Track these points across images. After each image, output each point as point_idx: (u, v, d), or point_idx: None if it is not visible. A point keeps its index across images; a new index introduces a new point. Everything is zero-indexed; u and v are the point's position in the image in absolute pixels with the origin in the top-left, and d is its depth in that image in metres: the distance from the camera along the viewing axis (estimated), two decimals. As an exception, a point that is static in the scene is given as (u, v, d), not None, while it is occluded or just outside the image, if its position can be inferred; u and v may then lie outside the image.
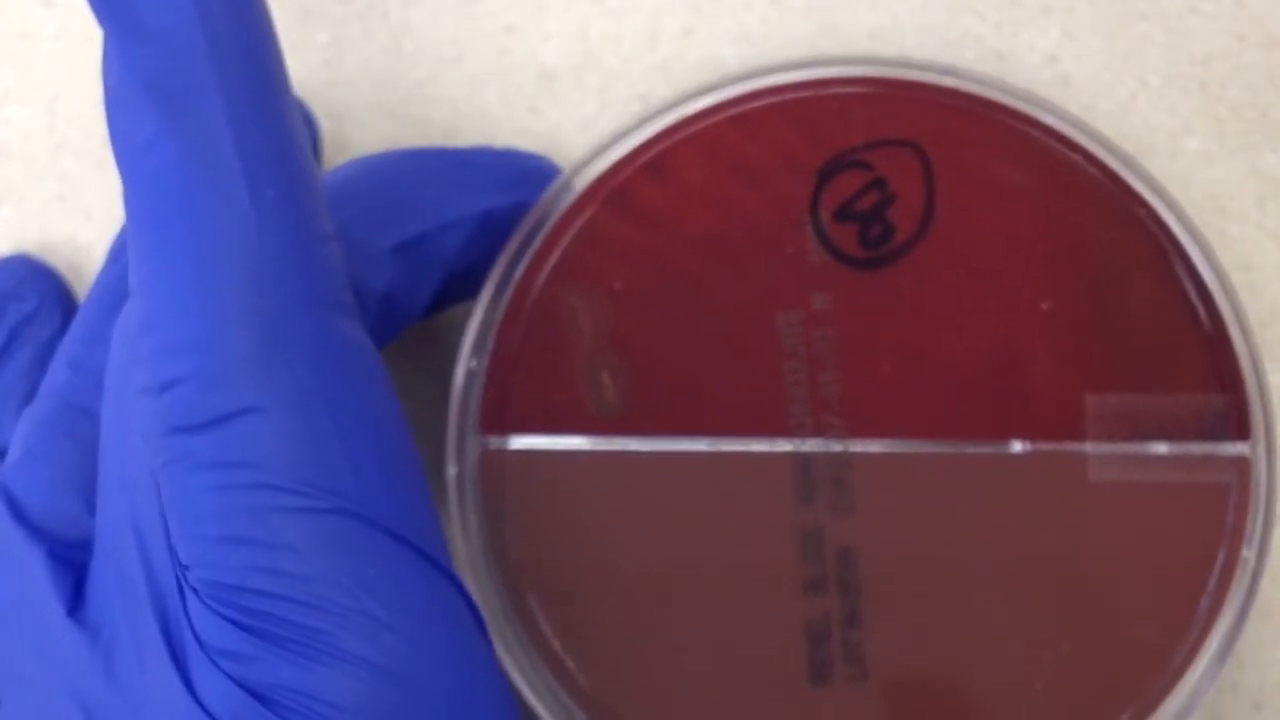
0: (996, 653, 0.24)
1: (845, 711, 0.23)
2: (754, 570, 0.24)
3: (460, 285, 0.25)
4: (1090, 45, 0.28)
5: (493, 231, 0.25)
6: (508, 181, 0.26)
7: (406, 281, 0.24)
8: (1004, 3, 0.28)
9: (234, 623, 0.18)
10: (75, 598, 0.21)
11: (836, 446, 0.24)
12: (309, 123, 0.27)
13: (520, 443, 0.24)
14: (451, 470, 0.24)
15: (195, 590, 0.19)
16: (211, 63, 0.19)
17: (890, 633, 0.24)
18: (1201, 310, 0.24)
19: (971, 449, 0.24)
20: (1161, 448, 0.24)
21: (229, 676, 0.18)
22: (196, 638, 0.19)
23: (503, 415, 0.25)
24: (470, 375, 0.25)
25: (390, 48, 0.28)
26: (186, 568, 0.19)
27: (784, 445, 0.24)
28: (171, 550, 0.19)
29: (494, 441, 0.24)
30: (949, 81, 0.25)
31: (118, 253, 0.25)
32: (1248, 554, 0.24)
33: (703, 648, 0.24)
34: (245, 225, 0.19)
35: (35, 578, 0.21)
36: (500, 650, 0.24)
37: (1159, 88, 0.28)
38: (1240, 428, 0.24)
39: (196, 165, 0.19)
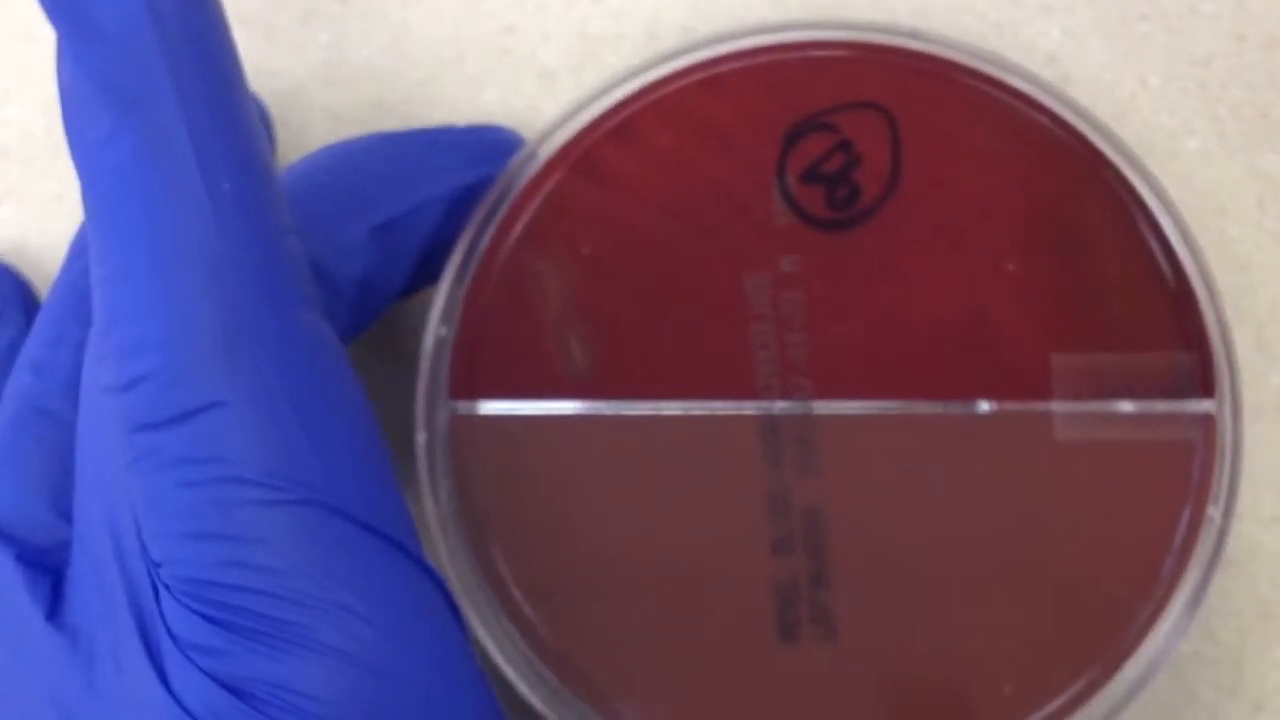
0: (963, 611, 0.24)
1: (813, 670, 0.23)
2: (722, 531, 0.24)
3: (434, 264, 0.25)
4: (1090, 45, 0.28)
5: (464, 209, 0.25)
6: (475, 157, 0.26)
7: (382, 266, 0.24)
8: (1004, 3, 0.28)
9: (207, 618, 0.18)
10: (54, 602, 0.20)
11: (804, 408, 0.24)
12: (262, 116, 0.27)
13: (489, 408, 0.24)
14: (421, 436, 0.24)
15: (168, 587, 0.19)
16: (164, 59, 0.19)
17: (858, 592, 0.24)
18: (1167, 269, 0.24)
19: (938, 409, 0.24)
20: (1127, 406, 0.24)
21: (204, 672, 0.18)
22: (171, 634, 0.19)
23: (471, 381, 0.25)
24: (439, 342, 0.25)
25: (390, 48, 0.28)
26: (158, 565, 0.19)
27: (751, 407, 0.24)
28: (144, 548, 0.19)
29: (463, 407, 0.24)
30: (916, 45, 0.25)
31: (76, 253, 0.24)
32: (1213, 512, 0.24)
33: (671, 608, 0.24)
34: (203, 221, 0.19)
35: (9, 584, 0.21)
36: (470, 615, 0.24)
37: (1159, 88, 0.28)
38: (1205, 385, 0.24)
39: (151, 162, 0.19)
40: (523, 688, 0.24)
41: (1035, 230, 0.25)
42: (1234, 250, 0.27)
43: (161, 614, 0.19)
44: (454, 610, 0.20)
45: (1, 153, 0.29)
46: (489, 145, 0.26)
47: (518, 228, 0.25)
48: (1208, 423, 0.24)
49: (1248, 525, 0.26)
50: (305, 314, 0.20)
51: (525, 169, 0.25)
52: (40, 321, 0.23)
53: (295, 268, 0.20)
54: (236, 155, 0.20)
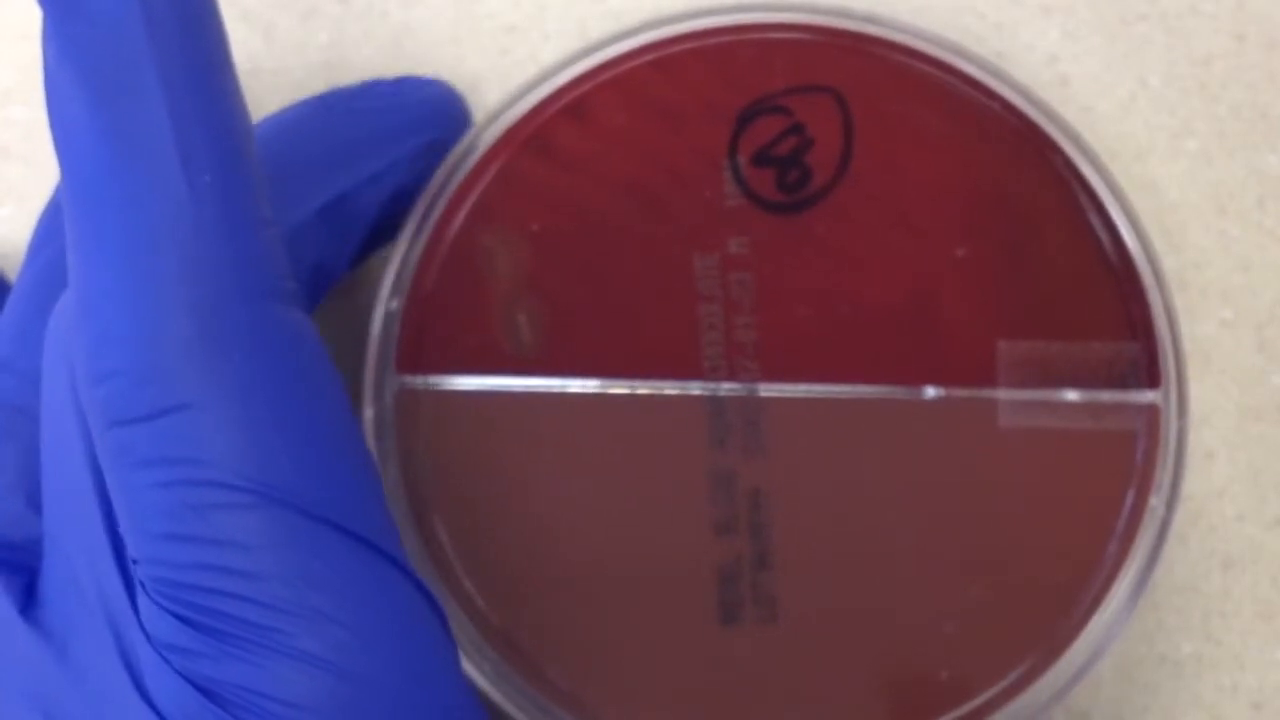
0: (906, 596, 0.24)
1: (755, 652, 0.24)
2: (666, 511, 0.24)
3: (379, 236, 0.25)
4: (1090, 45, 0.28)
5: (405, 178, 0.25)
6: (413, 123, 0.25)
7: (333, 243, 0.24)
8: (1004, 2, 0.28)
9: (181, 619, 0.18)
10: (27, 598, 0.20)
11: (750, 390, 0.24)
12: None
13: (437, 383, 0.24)
14: (369, 411, 0.24)
15: (143, 584, 0.18)
16: (149, 44, 0.19)
17: (800, 575, 0.24)
18: (1115, 259, 0.24)
19: (884, 393, 0.24)
20: (1073, 395, 0.24)
21: (178, 672, 0.18)
22: (145, 633, 0.18)
23: (420, 356, 0.24)
24: (389, 316, 0.25)
25: (390, 48, 0.28)
26: (135, 562, 0.19)
27: (698, 388, 0.24)
28: (118, 544, 0.19)
29: (411, 382, 0.24)
30: (870, 29, 0.25)
31: (39, 245, 0.24)
32: (1155, 502, 0.24)
33: (615, 587, 0.24)
34: (181, 211, 0.19)
35: None
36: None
37: (1159, 88, 0.28)
38: (1151, 376, 0.24)
39: (130, 148, 0.19)
40: (465, 665, 0.24)
41: (984, 217, 0.25)
42: (1234, 250, 0.27)
43: (136, 612, 0.19)
44: (439, 614, 0.20)
45: (2, 153, 0.29)
46: (425, 106, 0.26)
47: (469, 203, 0.25)
48: (1152, 413, 0.24)
49: (1249, 526, 0.27)
50: (283, 309, 0.19)
51: (477, 145, 0.25)
52: (5, 316, 0.23)
53: (274, 262, 0.19)
54: (220, 146, 0.19)
